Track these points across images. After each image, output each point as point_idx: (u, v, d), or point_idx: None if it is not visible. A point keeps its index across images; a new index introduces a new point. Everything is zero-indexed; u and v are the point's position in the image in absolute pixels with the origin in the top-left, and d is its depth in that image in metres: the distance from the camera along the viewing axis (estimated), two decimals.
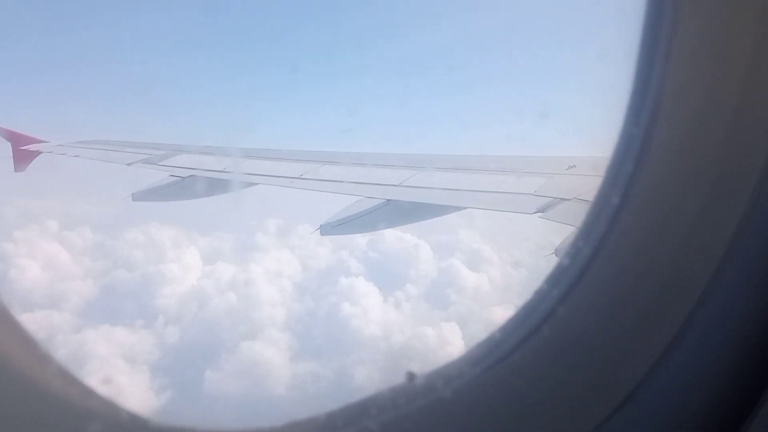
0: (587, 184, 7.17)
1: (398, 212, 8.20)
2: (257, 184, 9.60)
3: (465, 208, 8.10)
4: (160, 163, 10.65)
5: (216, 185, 9.80)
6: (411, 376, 1.47)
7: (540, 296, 1.51)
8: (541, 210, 6.82)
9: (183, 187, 9.61)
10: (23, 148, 12.73)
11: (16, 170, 12.81)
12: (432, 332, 45.55)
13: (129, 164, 10.92)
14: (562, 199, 6.90)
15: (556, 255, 7.12)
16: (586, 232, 1.54)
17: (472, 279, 54.89)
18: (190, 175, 9.75)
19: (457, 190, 8.30)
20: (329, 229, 8.30)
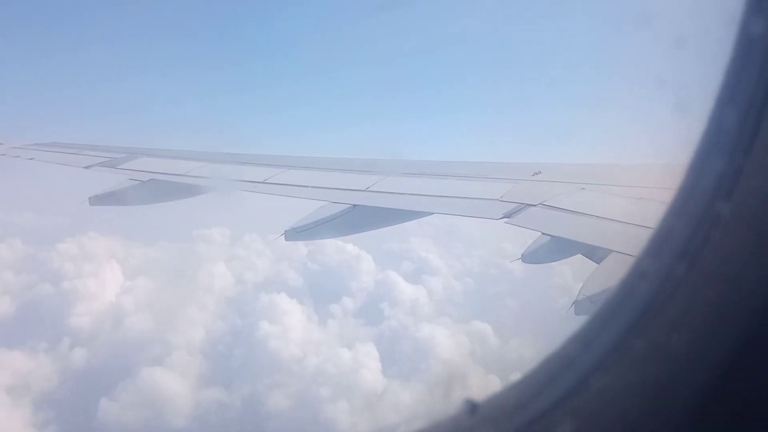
0: (553, 190, 7.20)
1: (364, 218, 8.11)
2: (219, 188, 9.41)
3: (431, 213, 8.06)
4: (120, 167, 10.35)
5: (176, 189, 9.56)
6: (472, 407, 1.32)
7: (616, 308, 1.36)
8: (508, 215, 6.82)
9: (142, 192, 9.35)
10: None
11: None
12: (348, 354, 44.83)
13: (87, 167, 10.59)
14: (528, 205, 6.91)
15: (523, 260, 7.13)
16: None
17: (409, 292, 54.64)
18: (150, 179, 9.49)
19: (423, 195, 8.26)
20: (294, 234, 8.16)
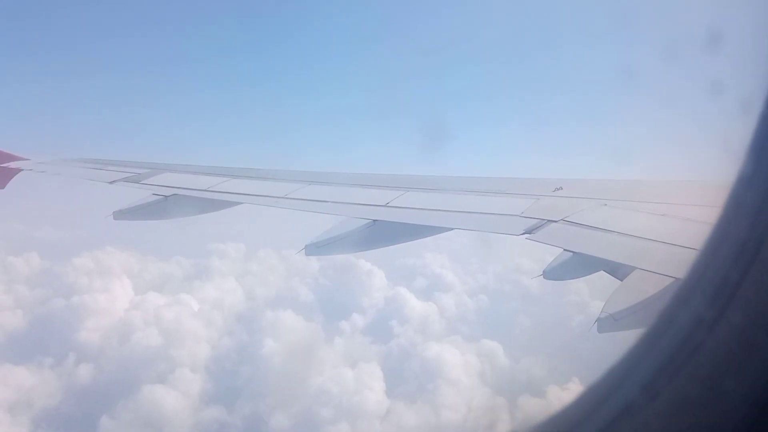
0: (574, 206, 7.15)
1: (384, 233, 8.11)
2: (241, 203, 9.49)
3: (452, 228, 8.04)
4: (143, 182, 10.50)
5: (199, 204, 9.66)
6: None
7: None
8: (529, 231, 6.79)
9: (165, 206, 9.46)
10: (3, 165, 12.52)
11: None
12: (351, 374, 43.97)
13: (111, 182, 10.77)
14: (549, 221, 6.87)
15: (544, 277, 7.07)
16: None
17: (419, 309, 53.66)
18: (173, 194, 9.61)
19: (444, 211, 8.25)
20: (314, 249, 8.17)
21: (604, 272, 6.48)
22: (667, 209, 6.75)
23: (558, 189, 7.94)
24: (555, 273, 7.01)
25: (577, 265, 6.69)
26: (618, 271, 6.24)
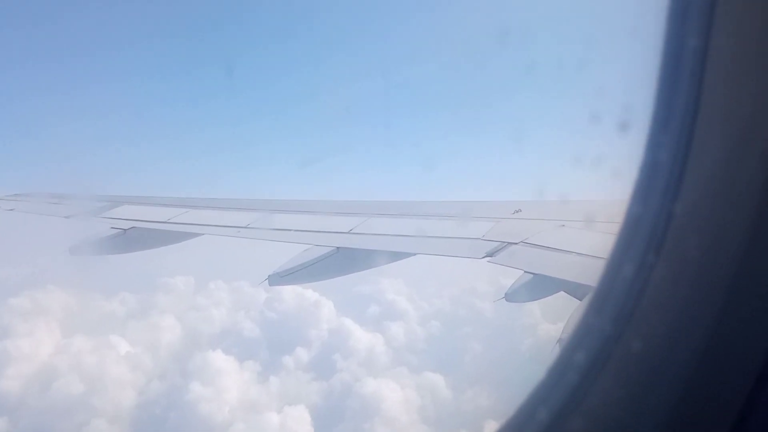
0: (533, 228, 7.27)
1: (348, 260, 8.11)
2: (202, 234, 9.37)
3: (414, 254, 8.08)
4: (101, 216, 10.29)
5: (158, 237, 9.51)
6: None
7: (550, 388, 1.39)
8: (490, 254, 6.86)
9: (124, 240, 9.28)
10: None
11: None
12: (276, 419, 42.81)
13: (68, 217, 10.53)
14: (510, 243, 6.96)
15: (506, 299, 7.15)
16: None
17: (365, 341, 52.65)
18: (132, 227, 9.44)
19: (406, 236, 8.29)
20: (277, 279, 8.13)
21: (564, 293, 6.59)
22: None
23: (517, 211, 8.08)
24: (516, 295, 7.10)
25: (537, 286, 6.79)
26: (577, 291, 6.35)
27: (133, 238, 9.37)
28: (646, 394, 1.28)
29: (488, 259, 6.82)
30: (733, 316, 1.22)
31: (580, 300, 6.17)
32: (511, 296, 7.04)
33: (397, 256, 8.36)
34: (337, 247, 8.02)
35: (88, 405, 43.95)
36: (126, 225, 9.53)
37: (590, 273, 6.04)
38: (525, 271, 6.72)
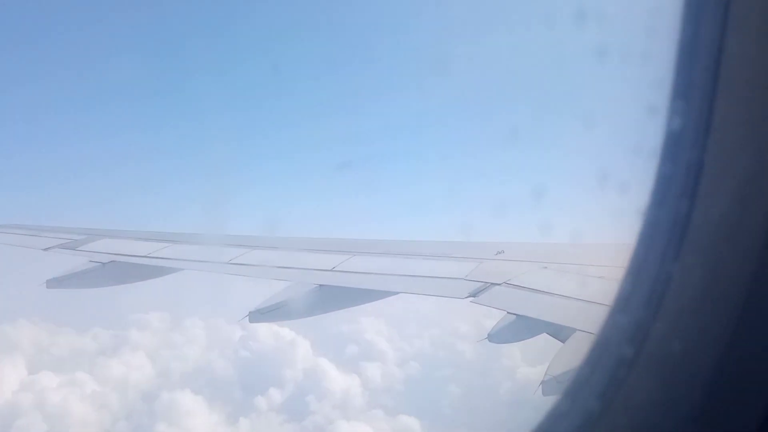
0: (516, 269, 7.32)
1: (330, 298, 8.06)
2: (182, 269, 9.28)
3: (397, 293, 8.07)
4: (80, 249, 10.16)
5: (139, 271, 9.39)
6: None
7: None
8: (473, 294, 6.87)
9: (103, 274, 9.14)
10: None
11: None
12: None
13: (46, 249, 10.37)
14: (493, 284, 6.99)
15: (489, 340, 7.14)
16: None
17: (340, 382, 51.60)
18: (111, 261, 9.32)
19: (389, 275, 8.29)
20: (258, 316, 8.05)
21: (546, 334, 6.61)
22: (607, 272, 6.99)
23: (500, 252, 8.13)
24: (499, 336, 7.10)
25: (520, 328, 6.80)
26: (560, 333, 6.37)
27: (111, 272, 9.24)
28: (669, 397, 1.29)
29: (471, 299, 6.83)
30: (753, 320, 1.25)
31: (563, 342, 6.19)
32: (494, 337, 7.04)
33: (379, 294, 8.34)
34: (320, 285, 7.99)
35: None
36: (105, 258, 9.40)
37: (572, 315, 6.08)
38: (508, 312, 6.74)
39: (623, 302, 1.46)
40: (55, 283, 9.09)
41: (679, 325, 1.33)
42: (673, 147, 1.40)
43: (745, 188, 1.26)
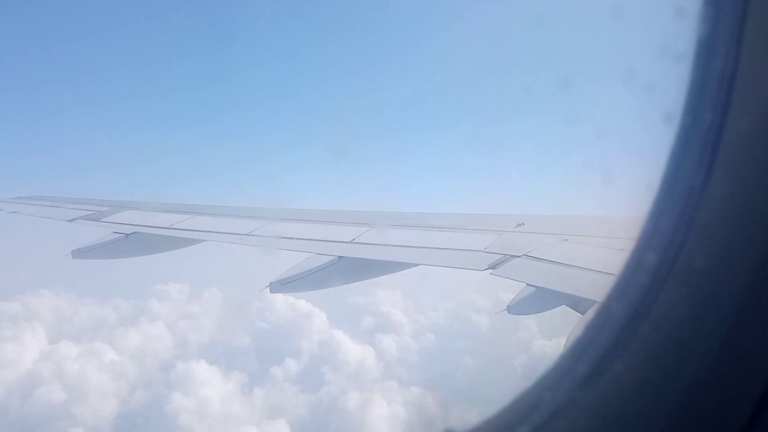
0: (536, 242, 7.29)
1: (350, 269, 8.11)
2: (204, 240, 9.38)
3: (417, 264, 8.09)
4: (104, 220, 10.31)
5: (161, 242, 9.52)
6: None
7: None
8: (492, 267, 6.87)
9: (126, 245, 9.29)
10: None
11: None
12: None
13: (70, 221, 10.54)
14: (512, 256, 6.98)
15: (509, 312, 7.15)
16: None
17: (355, 353, 51.58)
18: (134, 232, 9.45)
19: (408, 246, 8.31)
20: (279, 286, 8.12)
21: (566, 306, 6.59)
22: (625, 244, 6.92)
23: (520, 225, 8.09)
24: (519, 308, 7.10)
25: (540, 299, 6.79)
26: (579, 305, 6.35)
27: (134, 243, 9.38)
28: (656, 391, 1.29)
29: (490, 271, 6.83)
30: (749, 321, 1.24)
31: (582, 314, 6.17)
32: (513, 309, 7.04)
33: (398, 266, 8.36)
34: (339, 257, 8.03)
35: (68, 413, 43.38)
36: (128, 230, 9.55)
37: (592, 287, 6.05)
38: (527, 284, 6.73)
39: (634, 266, 1.46)
40: (80, 253, 9.26)
41: (690, 290, 1.33)
42: (686, 134, 1.38)
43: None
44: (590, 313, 5.99)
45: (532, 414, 1.36)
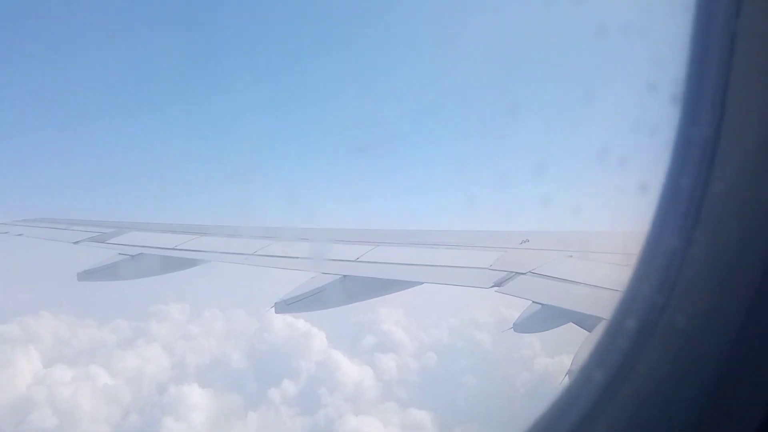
0: (541, 258, 7.27)
1: (354, 288, 8.09)
2: (209, 261, 9.40)
3: (421, 283, 8.07)
4: (109, 241, 10.35)
5: (166, 263, 9.54)
6: None
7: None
8: (498, 284, 6.84)
9: (132, 266, 9.32)
10: None
11: None
12: None
13: (76, 242, 10.58)
14: (518, 273, 6.95)
15: (515, 330, 7.11)
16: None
17: (352, 374, 50.79)
18: (139, 253, 9.48)
19: (413, 265, 8.29)
20: (283, 307, 8.11)
21: (572, 324, 6.55)
22: (633, 260, 6.87)
23: (524, 242, 8.08)
24: (525, 326, 7.06)
25: (546, 317, 6.75)
26: (586, 322, 6.31)
27: (140, 265, 9.40)
28: (679, 374, 1.28)
29: (496, 289, 6.80)
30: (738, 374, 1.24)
31: (589, 331, 6.13)
32: (519, 327, 7.00)
33: (403, 284, 8.35)
34: (344, 275, 8.02)
35: None
36: (134, 251, 9.58)
37: (599, 304, 6.01)
38: (533, 302, 6.70)
39: (637, 284, 1.45)
40: (86, 275, 9.28)
41: (691, 304, 1.32)
42: (686, 133, 1.38)
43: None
44: (597, 331, 5.95)
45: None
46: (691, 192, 1.34)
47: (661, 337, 1.33)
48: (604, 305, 5.96)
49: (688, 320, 1.31)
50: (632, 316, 1.39)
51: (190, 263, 9.57)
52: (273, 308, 8.20)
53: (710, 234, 1.32)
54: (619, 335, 1.39)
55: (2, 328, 55.56)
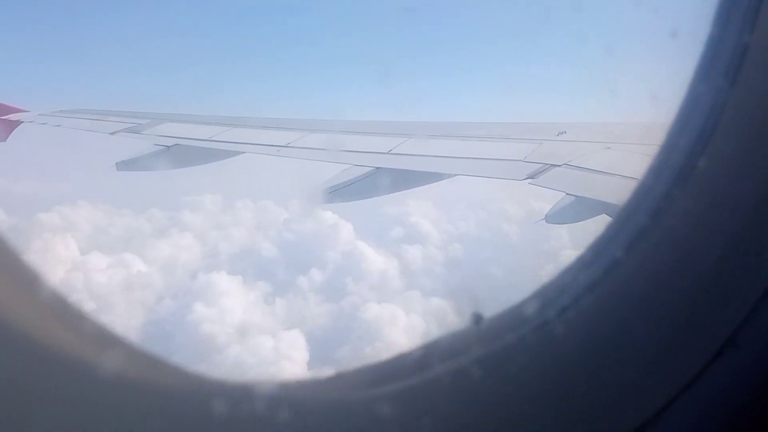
0: (578, 150, 7.09)
1: (387, 180, 8.09)
2: (243, 152, 9.46)
3: (454, 175, 8.01)
4: (144, 132, 10.46)
5: (201, 154, 9.65)
6: (477, 318, 1.38)
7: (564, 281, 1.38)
8: (532, 176, 6.75)
9: (167, 157, 9.44)
10: (3, 117, 12.47)
11: None
12: (270, 343, 42.68)
13: (112, 133, 10.73)
14: (553, 165, 6.82)
15: (547, 221, 7.08)
16: (620, 223, 1.39)
17: (378, 264, 51.74)
18: (175, 144, 9.58)
19: (446, 157, 8.20)
20: (318, 197, 8.20)
21: (605, 215, 6.48)
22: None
23: (561, 133, 7.86)
24: (557, 217, 7.03)
25: (579, 209, 6.69)
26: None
27: (176, 156, 9.52)
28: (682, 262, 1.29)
29: (529, 181, 6.71)
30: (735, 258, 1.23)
31: None
32: (551, 218, 6.97)
33: (436, 177, 8.30)
34: (377, 167, 8.00)
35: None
36: (169, 142, 9.67)
37: None
38: (567, 194, 6.61)
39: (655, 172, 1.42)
40: (123, 165, 9.47)
41: (700, 202, 1.30)
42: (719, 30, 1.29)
43: None
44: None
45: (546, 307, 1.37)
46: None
47: (672, 220, 1.32)
48: None
49: (695, 205, 1.30)
50: (646, 201, 1.37)
51: (224, 155, 9.66)
52: (304, 200, 8.31)
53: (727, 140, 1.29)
54: (635, 214, 1.37)
55: (43, 216, 57.87)
